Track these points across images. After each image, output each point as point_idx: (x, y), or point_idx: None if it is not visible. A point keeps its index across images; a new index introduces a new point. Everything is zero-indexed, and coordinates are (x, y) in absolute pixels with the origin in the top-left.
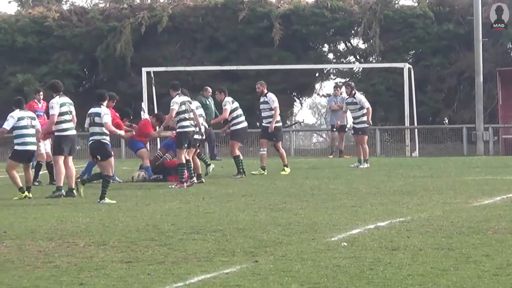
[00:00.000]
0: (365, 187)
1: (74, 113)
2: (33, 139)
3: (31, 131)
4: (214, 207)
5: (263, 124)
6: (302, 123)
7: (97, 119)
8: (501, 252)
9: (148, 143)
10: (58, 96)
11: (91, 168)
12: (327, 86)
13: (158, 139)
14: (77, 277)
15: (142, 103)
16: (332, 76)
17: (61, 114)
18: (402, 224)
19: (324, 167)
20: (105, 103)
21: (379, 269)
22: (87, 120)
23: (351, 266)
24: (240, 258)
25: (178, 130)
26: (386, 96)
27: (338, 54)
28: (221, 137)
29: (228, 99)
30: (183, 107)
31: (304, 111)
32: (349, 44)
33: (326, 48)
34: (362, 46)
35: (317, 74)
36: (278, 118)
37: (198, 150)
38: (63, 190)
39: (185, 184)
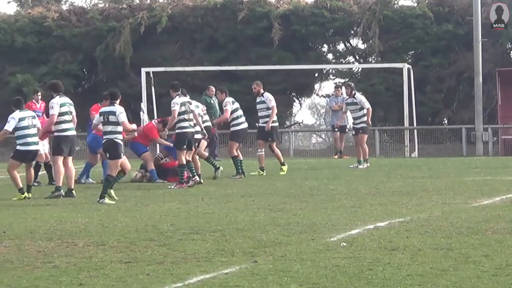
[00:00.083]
0: (364, 188)
1: (74, 113)
2: (35, 139)
3: (33, 131)
4: (213, 207)
5: (259, 124)
6: (301, 124)
7: (111, 118)
8: (500, 252)
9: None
10: (58, 96)
11: (89, 169)
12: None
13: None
14: (76, 277)
15: (142, 104)
16: (331, 76)
17: (61, 114)
18: (401, 224)
19: (324, 167)
20: (118, 101)
21: (378, 269)
22: (99, 118)
23: (350, 266)
24: (239, 258)
25: (177, 131)
26: (386, 97)
27: (338, 54)
28: (221, 137)
29: (229, 99)
30: (183, 108)
31: (304, 112)
32: (349, 45)
33: (325, 48)
34: (361, 46)
35: (316, 75)
36: (275, 118)
37: (206, 148)
38: (62, 191)
39: (184, 184)
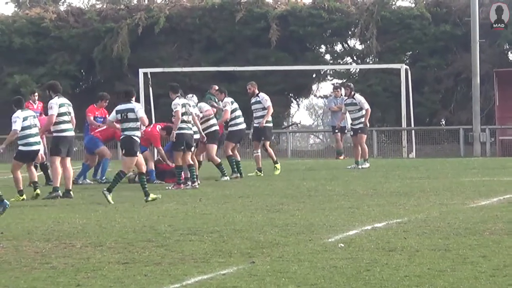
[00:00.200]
0: (362, 189)
1: (72, 114)
2: (37, 139)
3: (35, 130)
4: (211, 208)
5: (254, 125)
6: (299, 124)
7: (130, 115)
8: (497, 253)
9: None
10: (57, 97)
11: (87, 170)
12: (324, 87)
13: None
14: (74, 278)
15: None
16: (329, 77)
17: (59, 114)
18: (399, 225)
19: (321, 168)
20: (133, 99)
21: (376, 270)
22: (116, 116)
23: (348, 267)
24: (237, 259)
25: (176, 132)
26: (383, 97)
27: (335, 55)
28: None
29: (228, 99)
30: (183, 109)
31: (301, 112)
32: (346, 45)
33: (323, 49)
34: (359, 47)
35: (314, 75)
36: (270, 118)
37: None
38: (59, 191)
39: (182, 185)
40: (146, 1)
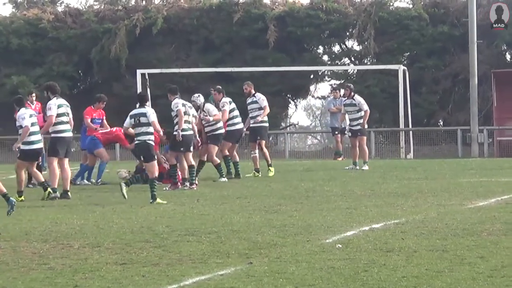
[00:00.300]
0: (360, 189)
1: (71, 115)
2: (39, 137)
3: (36, 129)
4: (209, 209)
5: (250, 125)
6: (296, 125)
7: (143, 119)
8: (495, 254)
9: None
10: (55, 98)
11: (84, 171)
12: (321, 88)
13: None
14: (72, 279)
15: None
16: (326, 78)
17: (58, 115)
18: (397, 226)
19: (319, 169)
20: (148, 104)
21: (374, 271)
22: (130, 121)
23: (346, 268)
24: (235, 260)
25: (174, 133)
26: (381, 98)
27: (333, 56)
28: None
29: (226, 99)
30: (183, 109)
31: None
32: (344, 46)
33: (320, 50)
34: (356, 48)
35: (311, 76)
36: (266, 118)
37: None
38: (58, 192)
39: (178, 185)
40: (144, 2)
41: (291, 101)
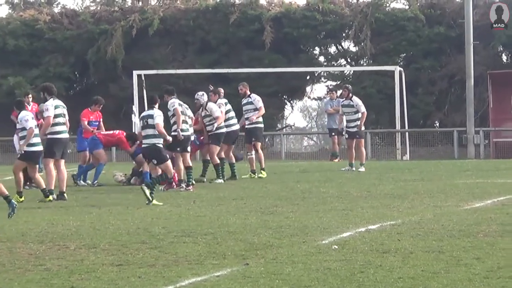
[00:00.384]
0: (356, 191)
1: (67, 117)
2: (39, 139)
3: (37, 130)
4: (205, 210)
5: (246, 127)
6: (293, 127)
7: (150, 121)
8: (491, 255)
9: None
10: (52, 99)
11: (82, 171)
12: (318, 89)
13: None
14: (68, 280)
15: (133, 106)
16: (323, 79)
17: (54, 116)
18: (393, 227)
19: (315, 170)
20: (157, 105)
21: (370, 272)
22: (140, 124)
23: (342, 269)
24: (231, 261)
25: (172, 134)
26: (377, 99)
27: (329, 57)
28: None
29: (222, 101)
30: (181, 108)
31: (295, 114)
32: (340, 47)
33: (317, 51)
34: (353, 49)
35: (308, 77)
36: (261, 119)
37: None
38: (54, 194)
39: (173, 184)
40: (140, 3)
41: (287, 102)
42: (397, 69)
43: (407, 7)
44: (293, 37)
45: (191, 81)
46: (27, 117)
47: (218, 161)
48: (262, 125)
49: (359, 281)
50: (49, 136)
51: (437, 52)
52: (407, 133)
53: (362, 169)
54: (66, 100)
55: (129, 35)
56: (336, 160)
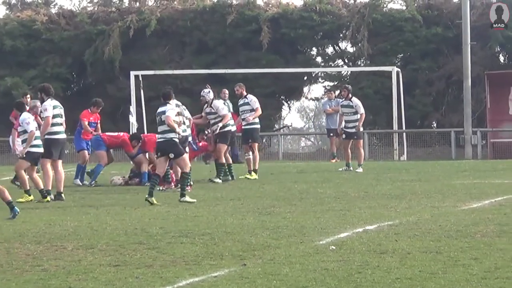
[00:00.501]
0: (354, 191)
1: (64, 118)
2: (39, 141)
3: (37, 132)
4: (203, 210)
5: (242, 127)
6: (290, 127)
7: (163, 117)
8: (489, 255)
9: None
10: (49, 99)
11: (80, 172)
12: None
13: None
14: (65, 281)
15: (131, 107)
16: (320, 79)
17: (52, 117)
18: (391, 227)
19: (312, 171)
20: (171, 101)
21: (367, 273)
22: (157, 120)
23: (339, 270)
24: (229, 261)
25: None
26: (374, 100)
27: (327, 57)
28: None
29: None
30: (178, 109)
31: (293, 115)
32: (338, 48)
33: (314, 51)
34: (350, 49)
35: (305, 78)
36: (257, 120)
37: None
38: (52, 194)
39: (172, 184)
40: (138, 4)
41: (285, 103)
42: (394, 69)
43: (404, 7)
44: (290, 37)
45: (189, 81)
46: (28, 120)
47: (224, 161)
48: (258, 126)
49: (356, 281)
50: (46, 137)
51: (435, 52)
52: (404, 134)
53: (360, 170)
54: (64, 100)
55: (127, 36)
56: (333, 161)
